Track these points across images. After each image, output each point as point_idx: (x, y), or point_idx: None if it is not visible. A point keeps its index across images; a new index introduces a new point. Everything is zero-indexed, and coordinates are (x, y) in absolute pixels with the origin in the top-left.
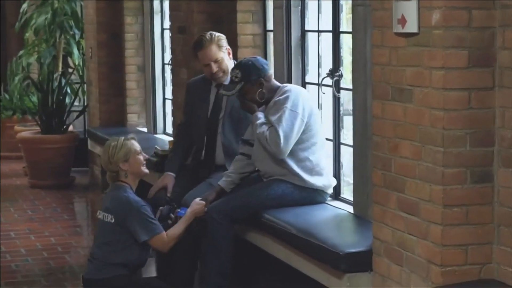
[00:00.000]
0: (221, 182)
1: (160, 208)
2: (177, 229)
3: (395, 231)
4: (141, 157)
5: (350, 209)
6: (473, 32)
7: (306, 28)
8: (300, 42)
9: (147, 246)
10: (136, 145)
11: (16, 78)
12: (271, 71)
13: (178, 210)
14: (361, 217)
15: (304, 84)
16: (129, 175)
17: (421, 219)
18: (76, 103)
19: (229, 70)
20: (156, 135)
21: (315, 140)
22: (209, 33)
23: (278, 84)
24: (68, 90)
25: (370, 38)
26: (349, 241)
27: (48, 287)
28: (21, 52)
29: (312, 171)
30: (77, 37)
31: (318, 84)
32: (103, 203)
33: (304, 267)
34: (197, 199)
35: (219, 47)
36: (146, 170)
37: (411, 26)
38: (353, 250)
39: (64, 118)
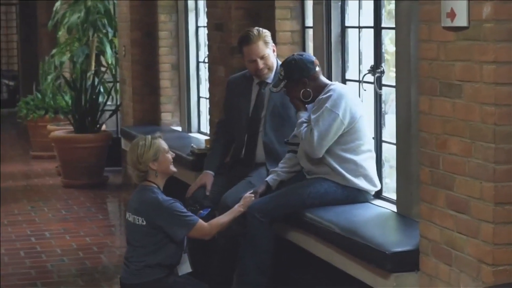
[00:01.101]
0: (269, 178)
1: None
2: (223, 219)
3: (444, 229)
4: (169, 156)
5: (393, 207)
6: None
7: (347, 24)
8: (340, 39)
9: (182, 242)
10: (164, 144)
11: (49, 77)
12: (317, 68)
13: (201, 211)
14: (405, 216)
15: (344, 81)
16: (158, 175)
17: (471, 217)
18: (109, 102)
19: (274, 67)
20: (190, 134)
21: (361, 142)
22: (255, 28)
23: (327, 81)
24: (101, 89)
25: (414, 34)
26: (394, 240)
27: (84, 287)
28: (53, 51)
29: (355, 172)
30: (110, 35)
31: (359, 81)
32: (130, 205)
33: (348, 266)
34: (248, 193)
35: (266, 43)
36: (174, 169)
37: (461, 20)
38: (400, 250)
39: (97, 117)
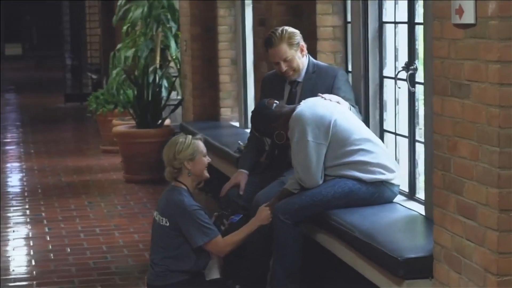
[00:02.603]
0: (287, 185)
1: (215, 214)
2: (237, 236)
3: (454, 236)
4: (206, 160)
5: (423, 210)
6: None
7: (384, 19)
8: (377, 34)
9: (204, 250)
10: (203, 147)
11: (114, 72)
12: (274, 106)
13: (233, 216)
14: (432, 219)
15: (381, 78)
16: (191, 176)
17: (478, 224)
18: (177, 97)
19: (302, 67)
20: (247, 130)
21: (351, 141)
22: (280, 29)
23: (291, 112)
24: (166, 84)
25: None
26: (411, 245)
27: (121, 286)
28: (119, 46)
29: (370, 171)
30: (173, 30)
31: (394, 78)
32: (158, 204)
33: (367, 271)
34: (263, 206)
35: (290, 45)
36: (207, 174)
37: (468, 17)
38: (413, 256)
39: (160, 112)
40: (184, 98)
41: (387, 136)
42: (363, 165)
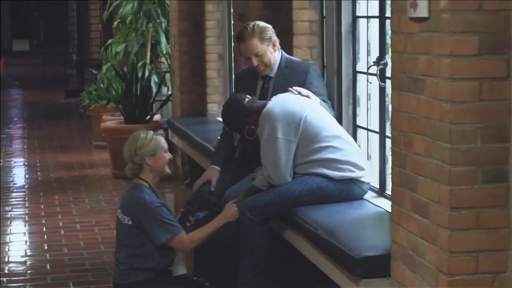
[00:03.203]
0: (255, 181)
1: (181, 210)
2: (202, 232)
3: (410, 234)
4: (167, 156)
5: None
6: (485, 16)
7: (358, 14)
8: (351, 29)
9: (168, 247)
10: (165, 143)
11: (104, 67)
12: (246, 101)
13: (198, 213)
14: None
15: (354, 73)
16: (153, 172)
17: (431, 222)
18: (167, 93)
19: (274, 62)
20: None
21: (321, 137)
22: (252, 24)
23: (262, 107)
24: (156, 79)
25: None
26: (371, 243)
27: (94, 283)
28: (109, 41)
29: (339, 168)
30: (163, 25)
31: (366, 73)
32: (121, 203)
33: (328, 270)
34: (230, 202)
35: (261, 39)
36: (169, 170)
37: (422, 11)
38: (371, 254)
39: (148, 108)
40: (173, 94)
41: (360, 132)
42: (332, 163)
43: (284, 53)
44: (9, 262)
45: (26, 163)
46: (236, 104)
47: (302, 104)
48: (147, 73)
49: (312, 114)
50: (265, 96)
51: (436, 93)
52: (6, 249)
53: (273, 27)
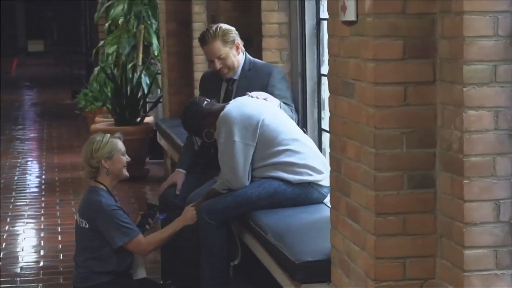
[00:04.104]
0: (215, 185)
1: (141, 213)
2: (160, 235)
3: (344, 239)
4: (124, 158)
5: None
6: (409, 20)
7: (322, 16)
8: (315, 31)
9: (126, 250)
10: (122, 145)
11: (96, 69)
12: (205, 103)
13: (157, 215)
14: None
15: (319, 76)
16: (110, 175)
17: (361, 227)
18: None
19: (237, 64)
20: None
21: (279, 140)
22: (214, 26)
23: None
24: (147, 81)
25: None
26: (316, 248)
27: (64, 286)
28: (101, 43)
29: (296, 172)
30: (154, 26)
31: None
32: (79, 206)
33: (276, 274)
34: (189, 206)
35: (224, 42)
36: (126, 173)
37: (350, 14)
38: (311, 259)
39: (138, 109)
40: (162, 95)
41: (325, 135)
42: (289, 166)
43: (248, 56)
44: None
45: (18, 165)
46: (194, 106)
47: (260, 108)
48: (137, 74)
49: (269, 118)
50: (229, 98)
51: (363, 97)
52: None
53: (244, 29)
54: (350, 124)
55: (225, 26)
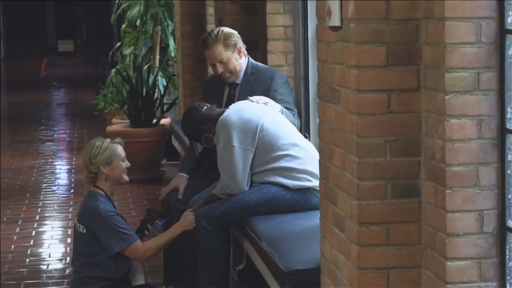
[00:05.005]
0: (215, 190)
1: (140, 218)
2: (158, 241)
3: (332, 248)
4: (124, 164)
5: None
6: (393, 25)
7: None
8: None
9: (124, 256)
10: (122, 151)
11: (112, 71)
12: (205, 109)
13: (157, 221)
14: None
15: None
16: (109, 180)
17: (346, 237)
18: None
19: (240, 69)
20: None
21: (279, 145)
22: (216, 30)
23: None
24: (164, 82)
25: None
26: (305, 257)
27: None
28: (117, 44)
29: (295, 177)
30: (170, 28)
31: None
32: (78, 211)
33: (270, 282)
34: (187, 211)
35: (226, 46)
36: (127, 178)
37: (335, 19)
38: (300, 268)
39: (154, 111)
40: (178, 97)
41: None
42: (288, 171)
43: (250, 59)
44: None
45: (36, 165)
46: (194, 111)
47: (259, 112)
48: (152, 76)
49: (269, 122)
50: (232, 103)
51: (347, 104)
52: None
53: (249, 32)
54: (337, 131)
55: (227, 29)
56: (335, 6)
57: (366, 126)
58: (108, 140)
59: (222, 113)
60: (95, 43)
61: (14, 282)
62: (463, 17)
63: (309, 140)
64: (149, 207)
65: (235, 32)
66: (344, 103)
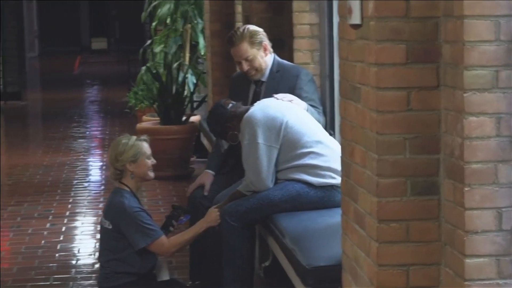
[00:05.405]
0: (240, 186)
1: (165, 215)
2: (183, 237)
3: (353, 245)
4: (149, 162)
5: None
6: (412, 23)
7: None
8: None
9: (149, 252)
10: (147, 148)
11: (143, 68)
12: (230, 106)
13: (181, 217)
14: None
15: None
16: (134, 177)
17: (366, 233)
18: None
19: (265, 66)
20: None
21: (303, 143)
22: (242, 28)
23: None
24: (194, 80)
25: None
26: (328, 254)
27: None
28: (148, 42)
29: (319, 174)
30: (200, 26)
31: None
32: (104, 207)
33: (293, 279)
34: (212, 207)
35: (251, 44)
36: (152, 175)
37: (355, 17)
38: (322, 264)
39: (183, 109)
40: (207, 95)
41: None
42: (312, 169)
43: (276, 57)
44: (40, 256)
45: (68, 162)
46: (219, 109)
47: (283, 110)
48: (182, 74)
49: (293, 120)
50: (257, 100)
51: (367, 102)
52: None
53: (276, 30)
54: (357, 129)
55: (252, 27)
56: (355, 4)
57: (386, 124)
58: (134, 137)
59: (247, 110)
60: (128, 41)
61: (43, 276)
62: (482, 15)
63: (334, 137)
64: (174, 203)
65: (261, 30)
66: (364, 100)
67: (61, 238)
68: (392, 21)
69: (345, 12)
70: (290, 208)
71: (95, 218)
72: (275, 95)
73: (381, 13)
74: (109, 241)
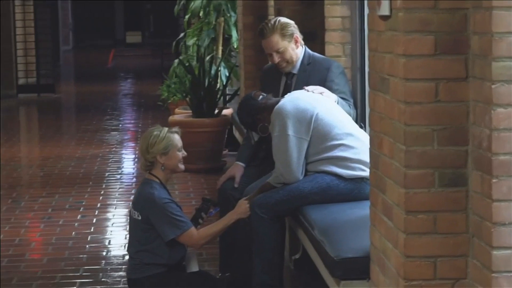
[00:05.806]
0: (270, 178)
1: (195, 207)
2: (212, 228)
3: (381, 236)
4: (180, 154)
5: None
6: (441, 15)
7: None
8: None
9: (178, 243)
10: (179, 140)
11: (175, 61)
12: (260, 98)
13: (211, 210)
14: None
15: None
16: (165, 169)
17: (394, 225)
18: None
19: (296, 58)
20: None
21: (333, 135)
22: (273, 20)
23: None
24: (226, 73)
25: None
26: (356, 245)
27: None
28: (181, 35)
29: (349, 167)
30: (233, 19)
31: None
32: (133, 198)
33: (321, 270)
34: (242, 199)
35: (283, 36)
36: (182, 167)
37: (384, 8)
38: (350, 256)
39: (216, 101)
40: (239, 88)
41: None
42: (342, 161)
43: (307, 49)
44: (71, 247)
45: (100, 154)
46: (250, 100)
47: (314, 102)
48: (215, 67)
49: (323, 112)
50: (288, 92)
51: (396, 93)
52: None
53: (308, 23)
54: (386, 120)
55: (283, 19)
56: None
57: (414, 115)
58: (166, 129)
59: (277, 102)
60: (162, 34)
61: (73, 267)
62: (511, 6)
63: (365, 130)
64: (204, 196)
65: (292, 22)
66: (392, 92)
67: (92, 230)
68: (420, 12)
69: (374, 4)
70: (320, 200)
71: (126, 210)
72: (306, 87)
73: (410, 4)
74: (138, 232)
